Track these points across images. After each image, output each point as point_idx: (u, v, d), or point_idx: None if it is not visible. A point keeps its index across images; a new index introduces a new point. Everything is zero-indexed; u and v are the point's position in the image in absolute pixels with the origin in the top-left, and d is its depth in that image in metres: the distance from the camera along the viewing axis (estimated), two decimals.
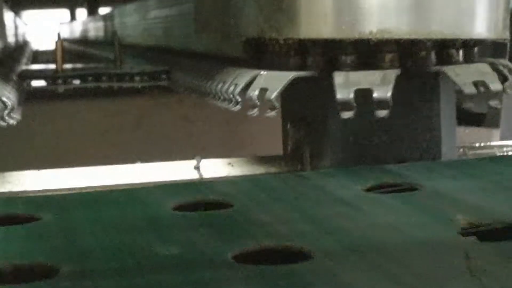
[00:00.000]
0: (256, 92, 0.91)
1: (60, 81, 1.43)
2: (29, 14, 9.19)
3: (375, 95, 0.86)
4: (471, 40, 0.92)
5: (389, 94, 0.85)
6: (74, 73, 1.51)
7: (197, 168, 1.00)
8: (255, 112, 0.92)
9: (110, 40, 2.85)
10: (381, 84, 0.87)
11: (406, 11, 0.87)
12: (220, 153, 1.23)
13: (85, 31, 4.17)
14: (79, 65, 1.80)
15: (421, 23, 0.88)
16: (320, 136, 0.97)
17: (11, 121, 0.93)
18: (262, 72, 0.94)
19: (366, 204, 0.70)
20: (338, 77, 0.88)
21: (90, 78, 1.47)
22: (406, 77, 0.90)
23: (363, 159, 0.93)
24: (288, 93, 0.95)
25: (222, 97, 1.02)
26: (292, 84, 0.91)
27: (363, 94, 0.87)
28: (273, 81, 0.90)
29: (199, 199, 0.74)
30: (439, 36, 0.88)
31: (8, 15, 2.59)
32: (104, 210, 0.70)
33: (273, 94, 0.89)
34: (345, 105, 0.86)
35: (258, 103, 0.91)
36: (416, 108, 0.93)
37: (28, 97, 1.42)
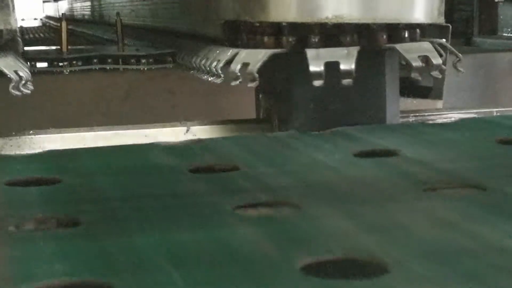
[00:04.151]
0: (238, 66, 1.09)
1: (65, 63, 1.53)
2: None
3: (341, 66, 1.04)
4: (412, 24, 1.10)
5: (353, 66, 1.04)
6: (80, 55, 1.59)
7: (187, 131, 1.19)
8: (237, 83, 1.10)
9: (98, 19, 3.01)
10: (346, 58, 1.05)
11: (357, 0, 1.06)
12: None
13: (71, 9, 4.31)
14: (79, 47, 1.92)
15: (369, 10, 1.06)
16: (286, 104, 1.16)
17: (26, 91, 1.11)
18: (243, 50, 1.12)
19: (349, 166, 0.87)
20: (310, 52, 1.07)
21: (95, 61, 1.56)
22: (359, 55, 1.08)
23: (322, 123, 1.12)
24: (259, 68, 1.13)
25: (206, 71, 1.21)
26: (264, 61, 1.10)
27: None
28: (253, 57, 1.09)
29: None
30: (384, 21, 1.07)
31: None
32: (114, 161, 0.89)
33: (255, 67, 1.07)
34: (317, 76, 1.05)
35: (240, 76, 1.09)
36: (365, 81, 1.12)
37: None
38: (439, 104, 1.38)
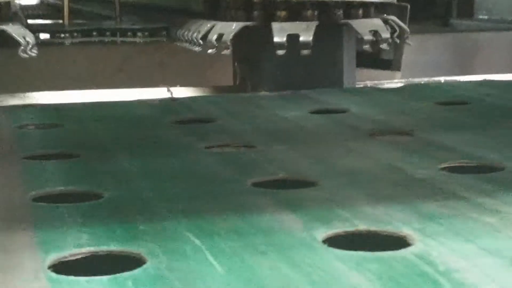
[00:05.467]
0: (214, 37, 1.26)
1: (67, 35, 1.66)
2: None
3: (301, 38, 1.21)
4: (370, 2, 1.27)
5: (311, 38, 1.21)
6: (80, 28, 1.71)
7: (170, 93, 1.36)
8: (213, 51, 1.27)
9: None
10: (306, 31, 1.22)
11: None
12: None
13: None
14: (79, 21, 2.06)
15: None
16: (258, 71, 1.33)
17: (32, 54, 1.28)
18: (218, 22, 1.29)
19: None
20: (275, 26, 1.23)
21: (94, 33, 1.70)
22: (321, 29, 1.25)
23: (288, 87, 1.29)
24: (236, 40, 1.30)
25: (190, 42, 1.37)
26: (240, 34, 1.26)
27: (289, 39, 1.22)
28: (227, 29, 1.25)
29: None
30: None
31: None
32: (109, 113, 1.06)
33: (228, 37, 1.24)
34: (280, 46, 1.21)
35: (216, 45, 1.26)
36: (326, 51, 1.29)
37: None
38: (398, 75, 1.55)
